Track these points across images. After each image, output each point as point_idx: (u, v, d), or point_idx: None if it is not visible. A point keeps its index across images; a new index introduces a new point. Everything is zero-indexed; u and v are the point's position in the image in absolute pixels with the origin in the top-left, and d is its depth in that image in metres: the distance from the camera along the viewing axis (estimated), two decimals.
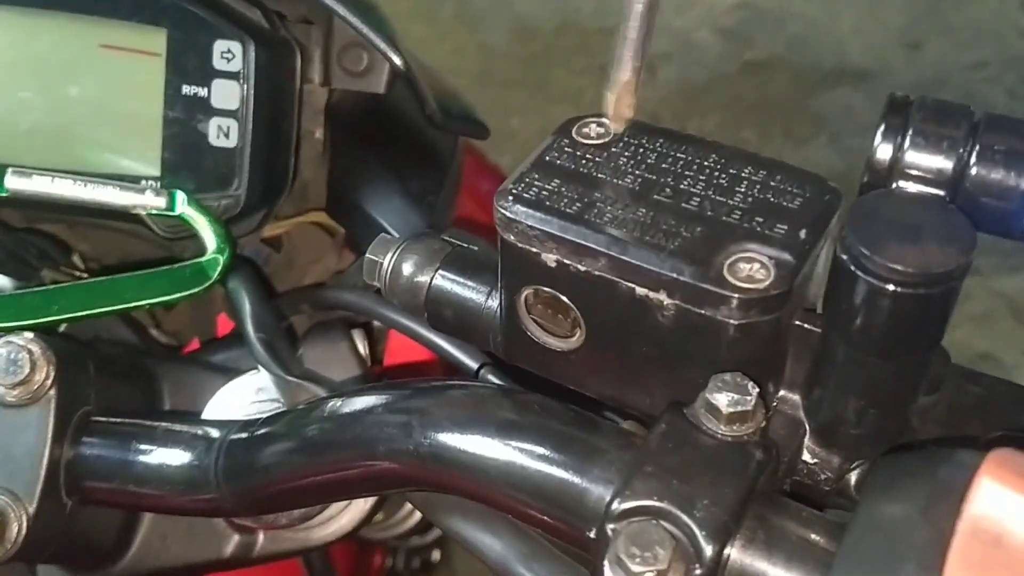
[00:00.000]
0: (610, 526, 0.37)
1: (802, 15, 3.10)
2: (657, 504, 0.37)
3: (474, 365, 0.63)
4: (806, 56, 2.99)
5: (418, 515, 1.05)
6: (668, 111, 2.84)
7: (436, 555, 1.58)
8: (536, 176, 0.45)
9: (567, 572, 0.48)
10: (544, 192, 0.44)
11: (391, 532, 1.14)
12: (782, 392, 0.45)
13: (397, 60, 0.64)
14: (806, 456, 0.45)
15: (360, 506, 0.67)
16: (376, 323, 0.73)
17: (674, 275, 0.41)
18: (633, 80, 0.45)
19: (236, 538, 0.67)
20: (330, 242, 0.86)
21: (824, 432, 0.44)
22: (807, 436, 0.44)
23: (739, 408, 0.40)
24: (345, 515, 0.67)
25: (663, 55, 3.00)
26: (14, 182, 0.63)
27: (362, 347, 0.70)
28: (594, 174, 0.45)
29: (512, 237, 0.44)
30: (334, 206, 0.78)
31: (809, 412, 0.44)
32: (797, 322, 0.43)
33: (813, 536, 0.37)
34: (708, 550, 0.36)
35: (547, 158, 0.46)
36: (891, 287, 0.37)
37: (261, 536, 0.67)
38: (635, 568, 0.35)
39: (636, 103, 0.46)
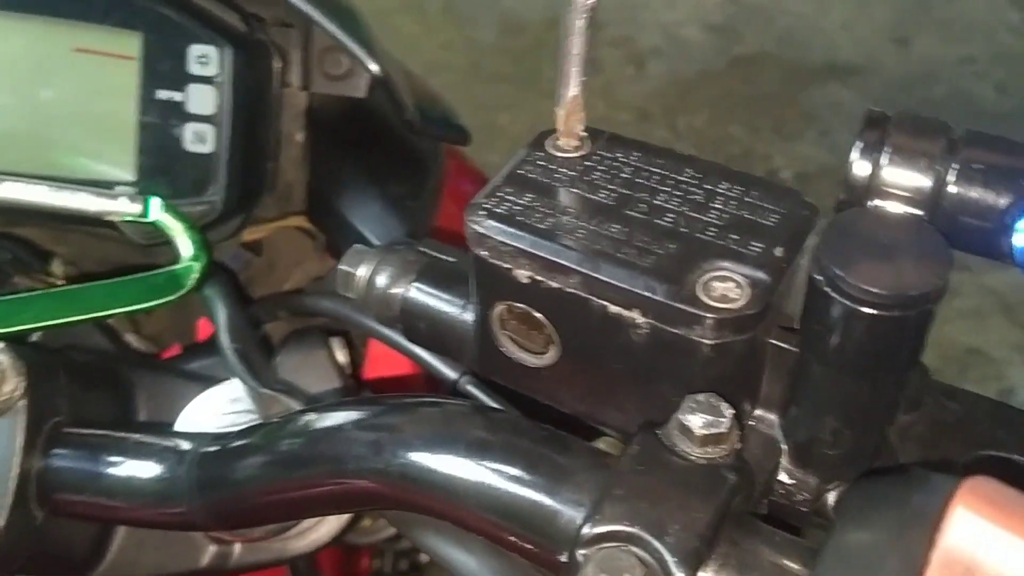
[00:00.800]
0: (580, 552, 0.37)
1: (791, 10, 3.10)
2: (627, 529, 0.37)
3: (453, 375, 0.62)
4: (795, 51, 2.98)
5: None
6: (657, 106, 2.83)
7: (424, 557, 1.57)
8: (508, 190, 0.44)
9: None
10: (516, 207, 0.43)
11: (376, 537, 1.13)
12: (758, 411, 0.44)
13: (373, 67, 0.63)
14: (783, 476, 0.44)
15: (338, 518, 0.67)
16: (355, 331, 0.72)
17: (647, 294, 0.40)
18: (580, 95, 0.44)
19: (212, 549, 0.66)
20: (311, 246, 0.85)
21: (801, 452, 0.43)
22: (783, 456, 0.44)
23: (713, 430, 0.39)
24: (323, 526, 0.66)
25: (652, 50, 2.99)
26: None
27: (341, 355, 0.69)
28: (567, 188, 0.44)
29: (484, 253, 0.43)
30: (314, 211, 0.78)
31: (786, 431, 0.44)
32: (773, 340, 0.42)
33: (787, 562, 0.37)
34: None
35: (520, 171, 0.45)
36: (866, 309, 0.36)
37: (237, 547, 0.66)
38: None
39: (584, 116, 0.45)
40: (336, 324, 0.72)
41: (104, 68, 0.66)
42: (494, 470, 0.42)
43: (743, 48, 3.00)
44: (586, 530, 0.37)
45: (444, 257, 0.53)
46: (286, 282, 0.85)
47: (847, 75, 2.89)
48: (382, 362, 0.75)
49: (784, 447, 0.44)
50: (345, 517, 0.66)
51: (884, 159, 0.40)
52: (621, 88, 2.85)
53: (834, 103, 2.82)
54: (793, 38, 3.02)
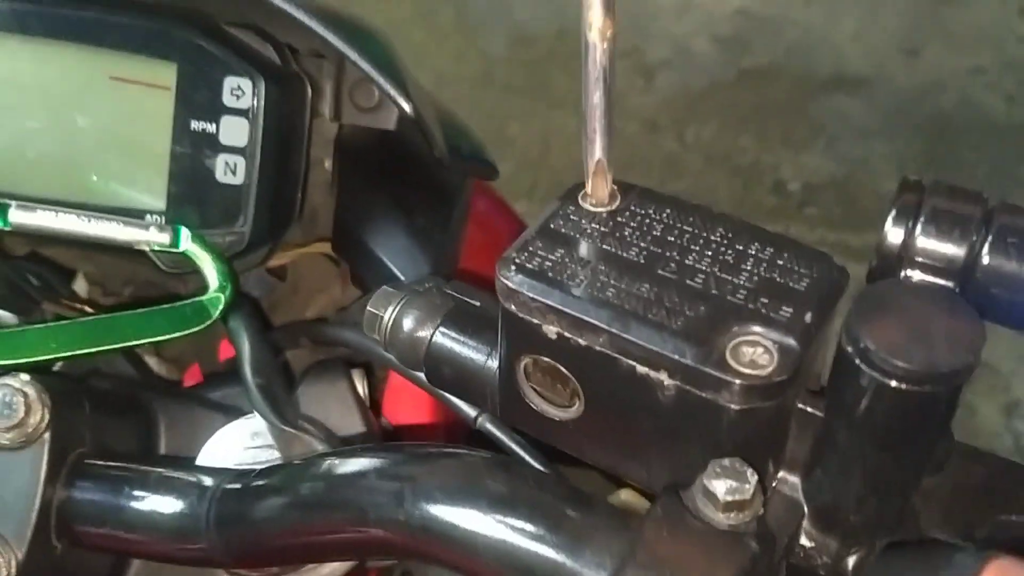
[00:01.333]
0: None
1: (800, 22, 3.09)
2: None
3: (472, 413, 0.62)
4: (804, 63, 2.98)
5: None
6: (666, 117, 2.82)
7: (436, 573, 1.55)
8: (540, 244, 0.44)
9: None
10: (547, 263, 0.43)
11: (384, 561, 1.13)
12: (782, 473, 0.44)
13: (406, 106, 0.63)
14: (803, 539, 0.44)
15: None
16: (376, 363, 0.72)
17: (676, 356, 0.40)
18: (605, 160, 0.44)
19: None
20: (335, 272, 0.85)
21: (823, 515, 0.43)
22: (805, 519, 0.44)
23: (737, 496, 0.39)
24: (337, 564, 0.66)
25: (661, 62, 2.99)
26: (18, 216, 0.62)
27: (361, 388, 0.69)
28: (599, 245, 0.44)
29: (513, 307, 0.43)
30: (339, 240, 0.78)
31: (808, 494, 0.43)
32: (800, 405, 0.42)
33: None
34: None
35: (552, 225, 0.45)
36: (895, 383, 0.36)
37: None
38: None
39: (611, 176, 0.45)
40: (357, 356, 0.72)
41: (139, 97, 0.67)
42: (515, 528, 0.42)
43: (752, 59, 3.00)
44: None
45: (471, 301, 0.53)
46: (309, 307, 0.85)
47: (856, 86, 2.88)
48: (402, 393, 0.76)
49: (806, 510, 0.43)
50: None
51: (918, 228, 0.40)
52: (630, 99, 2.85)
53: (843, 114, 2.81)
54: (802, 49, 3.02)
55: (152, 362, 0.81)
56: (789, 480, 0.44)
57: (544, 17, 3.10)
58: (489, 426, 0.61)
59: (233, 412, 0.66)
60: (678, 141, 2.74)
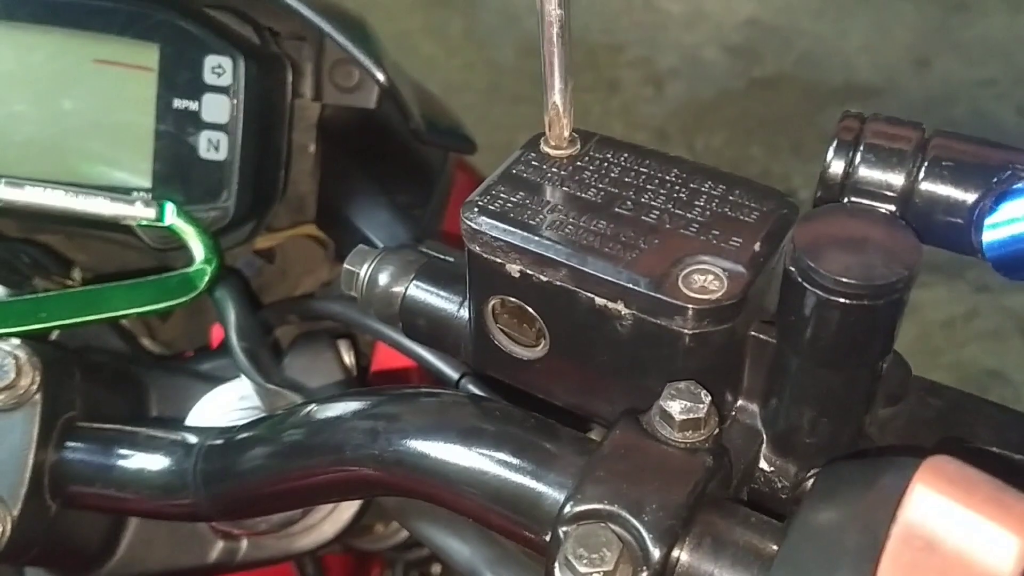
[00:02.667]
0: (561, 529, 0.38)
1: (810, 32, 3.11)
2: (607, 508, 0.38)
3: (455, 376, 0.64)
4: (814, 73, 2.99)
5: None
6: (675, 127, 2.85)
7: (437, 569, 1.57)
8: (502, 189, 0.46)
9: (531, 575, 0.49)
10: (509, 204, 0.45)
11: (386, 543, 1.14)
12: (740, 402, 0.46)
13: (380, 76, 0.65)
14: (763, 465, 0.45)
15: (341, 515, 0.69)
16: (363, 334, 0.74)
17: (630, 286, 0.42)
18: (563, 101, 0.46)
19: (220, 544, 0.68)
20: (322, 254, 0.87)
21: (780, 441, 0.45)
22: (764, 445, 0.45)
23: (691, 415, 0.40)
24: (327, 523, 0.68)
25: (671, 71, 3.01)
26: (6, 192, 0.64)
27: (347, 357, 0.71)
28: (558, 187, 0.46)
29: (478, 248, 0.45)
30: (324, 219, 0.80)
31: (766, 422, 0.45)
32: (753, 333, 0.43)
33: (759, 540, 0.38)
34: (655, 553, 0.37)
35: (514, 171, 0.47)
36: (837, 299, 0.38)
37: (244, 543, 0.68)
38: (582, 569, 0.36)
39: (570, 122, 0.47)
40: (343, 327, 0.74)
41: (123, 79, 0.69)
42: (484, 455, 0.43)
43: (762, 69, 3.02)
44: (567, 509, 0.39)
45: (443, 257, 0.55)
46: (298, 289, 0.87)
47: (866, 97, 2.90)
48: (387, 362, 0.77)
49: (765, 436, 0.45)
50: (348, 515, 0.68)
51: (858, 158, 0.42)
52: (640, 109, 2.88)
53: None
54: (812, 60, 3.03)
55: (147, 344, 0.83)
56: (748, 408, 0.46)
57: None
58: (471, 388, 0.63)
59: (221, 382, 0.68)
60: (688, 150, 2.76)
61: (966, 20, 3.13)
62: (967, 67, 2.97)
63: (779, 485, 0.45)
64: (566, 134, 0.47)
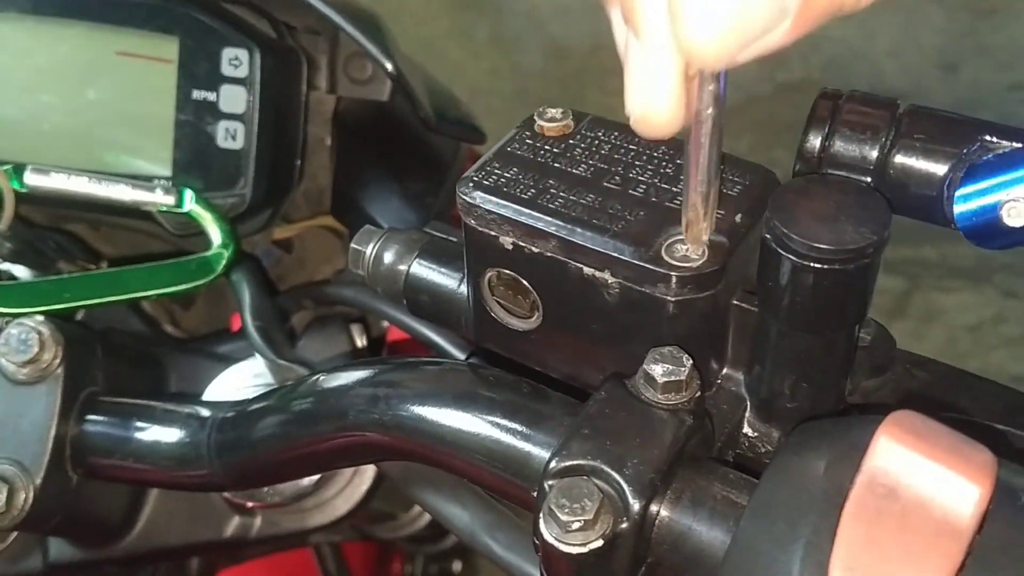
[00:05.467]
0: (547, 483, 0.40)
1: (837, 37, 3.11)
2: (590, 463, 0.40)
3: (461, 356, 0.66)
4: (841, 78, 2.98)
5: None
6: None
7: (458, 566, 1.58)
8: (496, 165, 0.48)
9: (525, 541, 0.51)
10: (503, 179, 0.47)
11: (405, 531, 1.16)
12: (726, 370, 0.47)
13: (389, 66, 0.68)
14: (747, 430, 0.47)
15: (354, 492, 0.71)
16: (375, 317, 0.76)
17: (616, 255, 0.44)
18: (706, 205, 0.42)
19: (235, 519, 0.70)
20: (339, 244, 0.89)
21: (764, 407, 0.47)
22: (748, 411, 0.47)
23: (673, 378, 0.42)
24: (340, 499, 0.71)
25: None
26: (32, 179, 0.67)
27: (359, 340, 0.73)
28: (550, 163, 0.48)
29: (473, 221, 0.47)
30: (339, 208, 0.82)
31: (750, 388, 0.47)
32: (736, 302, 0.45)
33: (735, 495, 0.40)
34: (635, 505, 0.39)
35: (508, 149, 0.49)
36: (810, 263, 0.39)
37: (259, 518, 0.71)
38: (564, 518, 0.38)
39: (710, 225, 0.43)
40: (357, 312, 0.76)
41: (144, 70, 0.72)
42: (477, 417, 0.45)
43: (788, 74, 3.02)
44: (553, 464, 0.41)
45: (447, 237, 0.57)
46: (315, 278, 0.89)
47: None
48: (398, 346, 0.80)
49: (749, 403, 0.47)
50: (361, 491, 0.71)
51: (833, 132, 0.43)
52: None
53: None
54: (839, 64, 3.03)
55: (169, 331, 0.86)
56: (733, 377, 0.48)
57: (578, 32, 3.14)
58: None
59: (237, 362, 0.71)
60: None
61: (994, 24, 3.11)
62: (995, 71, 2.96)
63: (763, 450, 0.47)
64: (705, 238, 0.43)
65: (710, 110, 0.39)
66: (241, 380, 0.68)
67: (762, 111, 2.92)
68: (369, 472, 0.71)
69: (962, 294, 2.50)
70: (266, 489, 0.67)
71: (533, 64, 3.11)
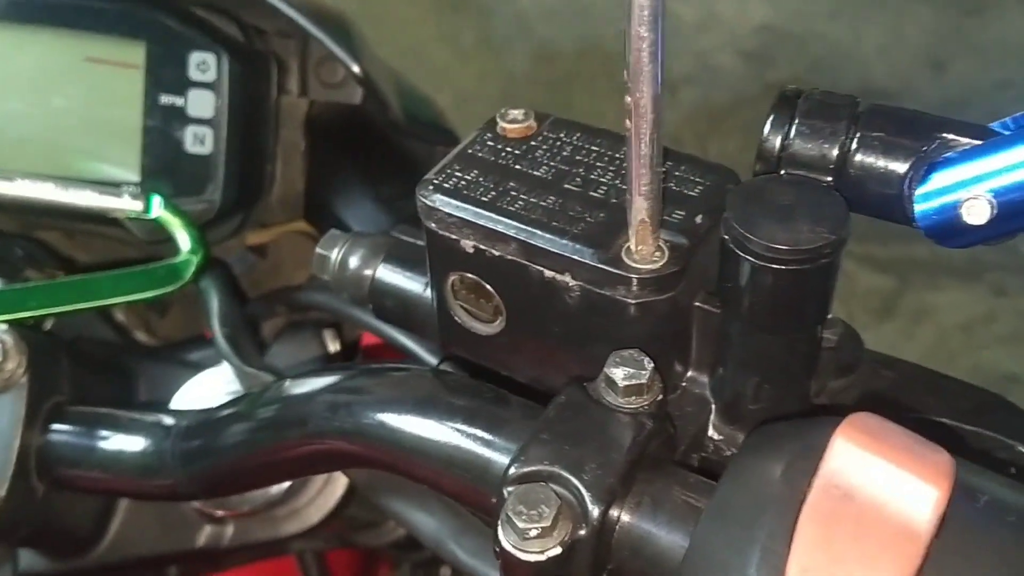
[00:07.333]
0: (506, 489, 0.40)
1: (825, 36, 3.11)
2: (548, 468, 0.40)
3: (434, 362, 0.66)
4: (830, 77, 2.98)
5: None
6: (689, 133, 2.85)
7: (446, 572, 1.57)
8: (457, 168, 0.48)
9: (491, 548, 0.50)
10: (463, 182, 0.47)
11: (388, 539, 1.15)
12: (690, 373, 0.47)
13: (356, 68, 0.67)
14: (712, 433, 0.47)
15: (327, 500, 0.70)
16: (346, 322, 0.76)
17: (576, 257, 0.43)
18: (653, 212, 0.41)
19: (207, 528, 0.70)
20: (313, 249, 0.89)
21: (728, 409, 0.46)
22: (713, 414, 0.47)
23: (634, 381, 0.42)
24: (312, 508, 0.70)
25: (684, 77, 3.02)
26: None
27: (332, 345, 0.73)
28: (511, 165, 0.48)
29: (433, 224, 0.47)
30: (312, 213, 0.82)
31: (714, 391, 0.46)
32: (698, 304, 0.45)
33: (695, 499, 0.40)
34: (594, 511, 0.39)
35: (469, 151, 0.49)
36: (769, 264, 0.39)
37: (231, 527, 0.70)
38: (521, 525, 0.38)
39: (657, 234, 0.42)
40: (331, 317, 0.76)
41: (112, 76, 0.71)
42: (437, 424, 0.45)
43: (777, 74, 3.01)
44: (512, 471, 0.40)
45: (413, 240, 0.56)
46: (291, 283, 0.89)
47: (882, 100, 2.88)
48: (372, 355, 0.79)
49: (713, 406, 0.46)
50: (333, 500, 0.70)
51: (793, 131, 0.43)
52: None
53: None
54: (827, 64, 3.02)
55: (142, 338, 0.85)
56: (698, 380, 0.47)
57: (567, 36, 3.14)
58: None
59: (207, 369, 0.70)
60: (701, 155, 2.74)
61: (982, 22, 3.11)
62: (983, 69, 2.96)
63: (728, 453, 0.47)
64: (651, 239, 0.42)
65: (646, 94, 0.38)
66: (210, 388, 0.67)
67: (750, 112, 2.91)
68: (342, 480, 0.71)
69: (953, 293, 2.50)
70: (235, 498, 0.66)
71: (521, 68, 3.10)
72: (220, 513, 0.68)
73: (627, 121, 0.39)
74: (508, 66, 3.12)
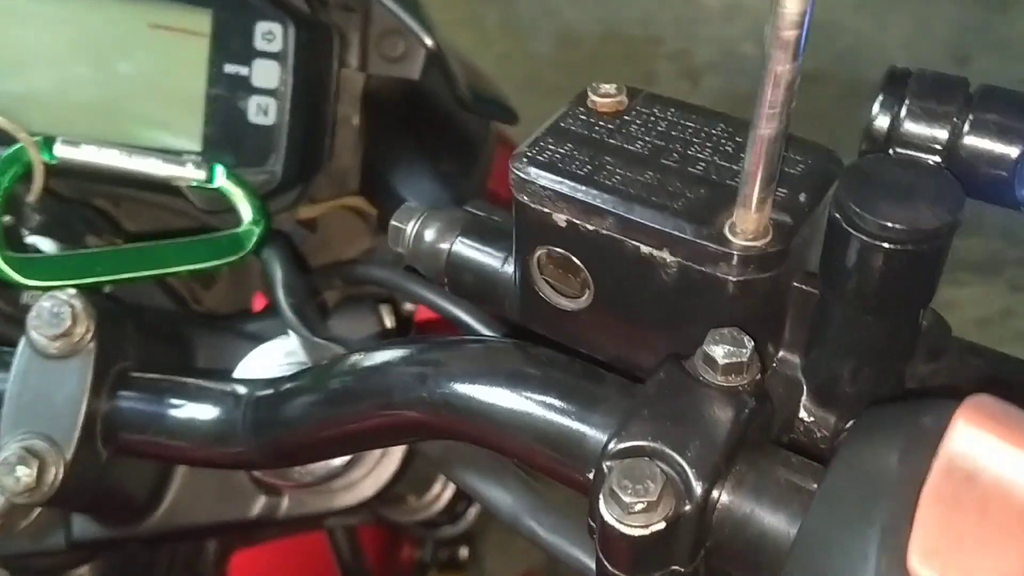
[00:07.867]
0: (606, 464, 0.39)
1: (851, 28, 3.10)
2: (651, 444, 0.39)
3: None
4: (853, 69, 2.97)
5: (446, 498, 1.07)
6: None
7: (464, 552, 1.58)
8: (550, 141, 0.47)
9: (569, 525, 0.50)
10: (557, 155, 0.46)
11: (417, 516, 1.15)
12: (782, 353, 0.46)
13: (429, 42, 0.67)
14: (803, 415, 0.46)
15: (382, 473, 0.70)
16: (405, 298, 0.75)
17: (676, 232, 0.42)
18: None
19: (263, 499, 0.69)
20: (363, 226, 0.88)
21: (821, 391, 0.46)
22: (804, 396, 0.46)
23: (734, 359, 0.41)
24: (368, 480, 0.70)
25: (708, 65, 3.01)
26: (63, 151, 0.66)
27: (389, 321, 0.72)
28: (606, 140, 0.47)
29: (525, 198, 0.46)
30: (369, 188, 0.81)
31: (807, 372, 0.46)
32: (797, 284, 0.44)
33: (800, 479, 0.39)
34: (698, 488, 0.38)
35: (562, 124, 0.48)
36: (882, 243, 0.38)
37: (286, 499, 0.70)
38: (627, 499, 0.37)
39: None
40: (386, 292, 0.75)
41: (177, 43, 0.71)
42: (530, 397, 0.44)
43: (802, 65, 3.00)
44: (612, 445, 0.40)
45: (488, 216, 0.56)
46: (339, 258, 0.88)
47: None
48: (427, 330, 0.79)
49: (805, 387, 0.46)
50: (389, 473, 0.70)
51: (903, 112, 0.42)
52: None
53: None
54: (852, 55, 3.02)
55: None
56: (789, 360, 0.46)
57: (590, 19, 3.13)
58: None
59: (265, 341, 0.70)
60: None
61: (1007, 17, 3.10)
62: (1007, 64, 2.95)
63: (818, 435, 0.46)
64: (764, 217, 0.42)
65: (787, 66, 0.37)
66: (273, 358, 0.67)
67: None
68: (397, 454, 0.71)
69: (971, 288, 2.49)
70: (297, 469, 0.66)
71: (545, 51, 3.09)
72: (278, 483, 0.68)
73: (765, 89, 0.37)
74: (532, 49, 3.11)
